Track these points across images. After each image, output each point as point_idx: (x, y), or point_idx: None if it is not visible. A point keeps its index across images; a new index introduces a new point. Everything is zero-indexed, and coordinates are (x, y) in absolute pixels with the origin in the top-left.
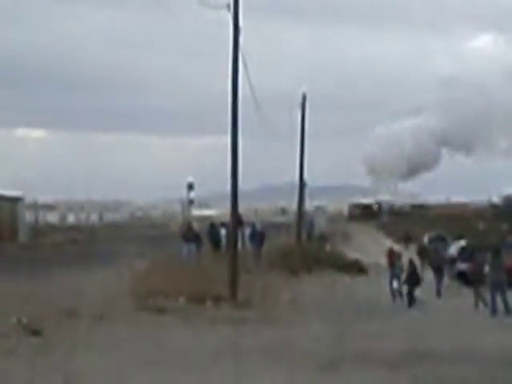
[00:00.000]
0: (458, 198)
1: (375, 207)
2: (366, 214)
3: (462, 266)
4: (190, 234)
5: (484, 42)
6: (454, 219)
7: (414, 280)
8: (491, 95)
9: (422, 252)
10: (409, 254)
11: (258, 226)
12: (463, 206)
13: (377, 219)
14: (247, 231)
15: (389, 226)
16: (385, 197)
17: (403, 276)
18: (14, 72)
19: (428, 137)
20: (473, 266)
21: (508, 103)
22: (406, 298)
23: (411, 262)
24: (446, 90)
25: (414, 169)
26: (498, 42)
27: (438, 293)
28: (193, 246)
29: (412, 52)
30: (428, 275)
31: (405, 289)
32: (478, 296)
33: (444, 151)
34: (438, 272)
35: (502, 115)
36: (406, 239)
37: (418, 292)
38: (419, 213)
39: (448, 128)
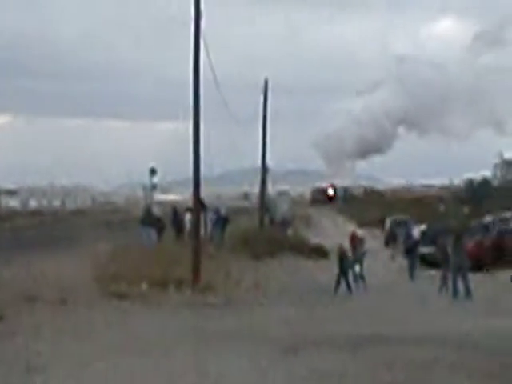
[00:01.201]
0: (418, 181)
1: (330, 191)
2: (324, 198)
3: (424, 250)
4: (149, 219)
5: (443, 26)
6: (414, 203)
7: (344, 264)
8: (448, 77)
9: (390, 238)
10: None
11: (223, 211)
12: (423, 189)
13: (333, 203)
14: (212, 216)
15: (347, 210)
16: (342, 181)
17: (365, 260)
18: None
19: (384, 116)
20: (438, 250)
21: (464, 86)
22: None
23: (341, 248)
24: (400, 67)
25: (368, 150)
26: (457, 26)
27: (412, 276)
28: (152, 231)
29: (373, 35)
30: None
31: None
32: (445, 280)
33: (400, 131)
34: (412, 254)
35: (458, 98)
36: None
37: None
38: (372, 197)
39: (403, 107)
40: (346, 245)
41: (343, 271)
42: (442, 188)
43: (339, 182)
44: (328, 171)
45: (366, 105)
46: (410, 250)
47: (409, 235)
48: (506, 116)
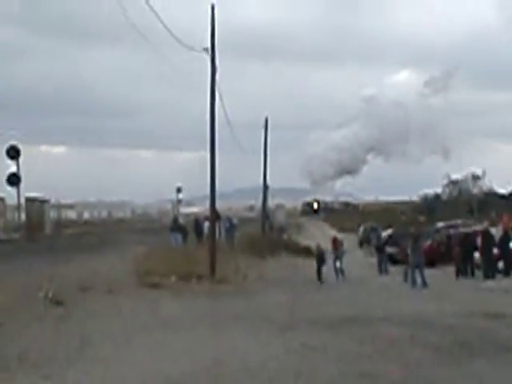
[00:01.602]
0: (384, 197)
1: (315, 205)
2: (310, 210)
3: (390, 250)
4: (175, 226)
5: (403, 75)
6: (382, 213)
7: (321, 260)
8: (406, 113)
9: (364, 240)
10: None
11: (235, 220)
12: (388, 203)
13: (317, 215)
14: (225, 224)
15: (329, 219)
16: (322, 196)
17: (344, 258)
18: (29, 100)
19: (356, 144)
20: (401, 250)
21: (419, 121)
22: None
23: (319, 247)
24: (368, 106)
25: (343, 171)
26: (414, 75)
27: (385, 270)
28: (178, 236)
29: (348, 82)
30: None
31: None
32: (406, 274)
33: (369, 157)
34: (381, 253)
35: (414, 130)
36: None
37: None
38: (347, 209)
39: (371, 137)
40: (327, 246)
41: (319, 266)
42: (403, 202)
43: (322, 198)
44: (312, 189)
45: (342, 135)
46: (380, 249)
47: (379, 238)
48: (451, 145)
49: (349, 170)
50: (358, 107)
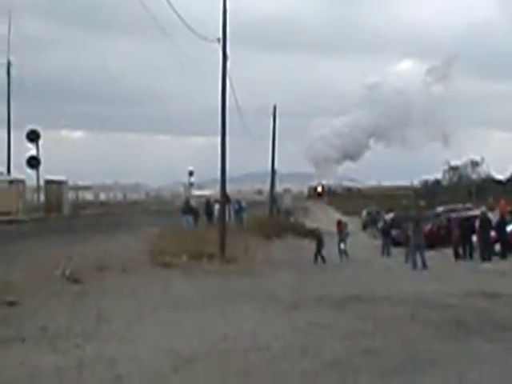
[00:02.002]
0: (387, 182)
1: (319, 189)
2: (314, 194)
3: (393, 233)
4: (187, 208)
5: (406, 65)
6: (384, 198)
7: (320, 244)
8: (408, 100)
9: (367, 223)
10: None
11: (243, 203)
12: (390, 188)
13: (322, 198)
14: (235, 206)
15: (333, 203)
16: (326, 181)
17: (348, 240)
18: (52, 87)
19: (358, 130)
20: (402, 232)
21: (420, 108)
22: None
23: (317, 230)
24: (371, 92)
25: (346, 156)
26: (416, 65)
27: (388, 253)
28: (190, 217)
29: (352, 71)
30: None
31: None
32: (408, 255)
33: (371, 142)
34: (387, 235)
35: (415, 117)
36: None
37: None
38: (349, 194)
39: (373, 123)
40: (331, 228)
41: (318, 247)
42: (405, 187)
43: (325, 182)
44: (316, 173)
45: (345, 122)
46: (386, 232)
47: (384, 221)
48: (451, 133)
49: (351, 154)
50: (360, 94)
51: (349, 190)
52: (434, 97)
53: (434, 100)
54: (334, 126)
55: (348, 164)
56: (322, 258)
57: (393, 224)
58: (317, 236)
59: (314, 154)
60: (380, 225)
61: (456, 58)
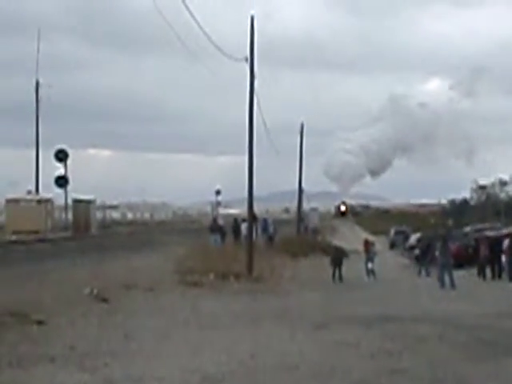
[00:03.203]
0: (415, 201)
1: (342, 208)
2: (338, 213)
3: (419, 252)
4: (215, 226)
5: (433, 83)
6: (412, 216)
7: (338, 261)
8: (433, 117)
9: (394, 242)
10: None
11: (269, 221)
12: (419, 206)
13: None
14: (262, 224)
15: (362, 222)
16: (349, 199)
17: (376, 259)
18: (87, 108)
19: (381, 144)
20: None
21: (446, 125)
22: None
23: (337, 249)
24: (396, 106)
25: (369, 173)
26: (444, 83)
27: (428, 273)
28: (217, 236)
29: (378, 89)
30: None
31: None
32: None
33: (395, 158)
34: (425, 255)
35: (441, 134)
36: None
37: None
38: (367, 212)
39: (397, 137)
40: (358, 247)
41: (338, 266)
42: (433, 205)
43: (349, 201)
44: (339, 192)
45: (369, 138)
46: (424, 253)
47: (420, 240)
48: (478, 151)
49: (375, 171)
50: (385, 107)
51: (366, 207)
52: (461, 113)
53: (461, 117)
54: (355, 140)
55: (374, 181)
56: (340, 276)
57: (419, 243)
58: (337, 254)
59: (333, 170)
60: (419, 244)
61: (480, 72)
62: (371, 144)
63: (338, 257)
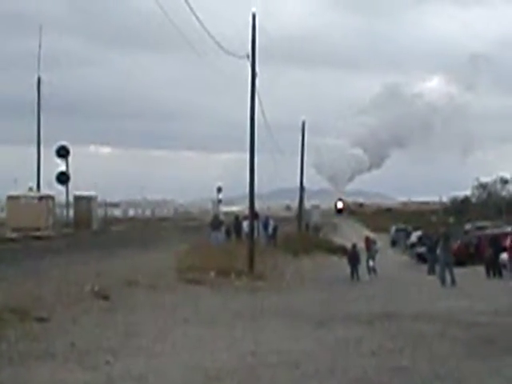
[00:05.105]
0: (416, 198)
1: (339, 205)
2: (335, 210)
3: (420, 250)
4: (216, 223)
5: (436, 81)
6: (413, 214)
7: (355, 259)
8: (430, 107)
9: (395, 240)
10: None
11: (270, 220)
12: (420, 204)
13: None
14: (263, 221)
15: (363, 219)
16: (346, 197)
17: (377, 257)
18: (88, 105)
19: (376, 137)
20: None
21: (444, 118)
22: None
23: (354, 247)
24: (393, 98)
25: (366, 168)
26: (445, 81)
27: (429, 271)
28: (219, 234)
29: (379, 87)
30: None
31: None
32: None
33: (394, 151)
34: (433, 253)
35: (440, 131)
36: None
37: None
38: (362, 210)
39: (393, 127)
40: (360, 245)
41: (355, 264)
42: (434, 204)
43: (343, 198)
44: (334, 189)
45: (364, 131)
46: (430, 250)
47: (430, 236)
48: (478, 149)
49: (371, 166)
50: (382, 98)
51: (360, 205)
52: (463, 111)
53: (463, 114)
54: (350, 134)
55: (372, 179)
56: (357, 275)
57: (420, 241)
58: (349, 252)
59: (327, 167)
60: (427, 242)
61: (477, 66)
62: (366, 137)
63: (355, 255)
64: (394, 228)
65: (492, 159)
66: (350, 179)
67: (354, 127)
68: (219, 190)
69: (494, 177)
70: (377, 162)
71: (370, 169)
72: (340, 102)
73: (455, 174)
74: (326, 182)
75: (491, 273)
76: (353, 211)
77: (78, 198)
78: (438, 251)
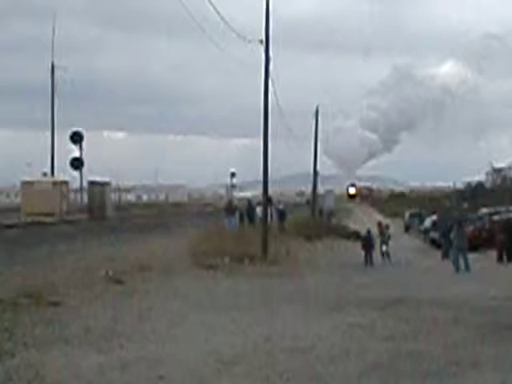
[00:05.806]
0: (430, 183)
1: (351, 190)
2: (349, 196)
3: (434, 235)
4: (230, 208)
5: (449, 65)
6: (427, 199)
7: (369, 245)
8: (443, 89)
9: (409, 225)
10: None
11: (280, 206)
12: (434, 189)
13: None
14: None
15: (377, 204)
16: (358, 182)
17: (390, 242)
18: (101, 90)
19: (387, 125)
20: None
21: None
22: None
23: (369, 232)
24: (405, 82)
25: (376, 153)
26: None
27: (443, 256)
28: (232, 219)
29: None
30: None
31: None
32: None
33: (403, 135)
34: (445, 238)
35: (453, 115)
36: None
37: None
38: (373, 195)
39: (405, 117)
40: (374, 230)
41: (369, 250)
42: (448, 188)
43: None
44: (344, 174)
45: (374, 117)
46: (444, 235)
47: (444, 221)
48: (492, 133)
49: (383, 150)
50: (394, 79)
51: (370, 190)
52: (473, 94)
53: (473, 98)
54: (362, 118)
55: (385, 164)
56: (371, 260)
57: (434, 226)
58: (363, 238)
59: (337, 152)
60: (423, 227)
61: (492, 49)
62: (378, 121)
63: (369, 241)
64: (407, 213)
65: (506, 144)
66: (363, 163)
67: (365, 111)
68: (233, 175)
69: (507, 162)
70: (389, 145)
71: (382, 152)
72: (353, 86)
73: (468, 159)
74: (338, 167)
75: (504, 258)
76: (366, 196)
77: (91, 184)
78: (452, 236)
